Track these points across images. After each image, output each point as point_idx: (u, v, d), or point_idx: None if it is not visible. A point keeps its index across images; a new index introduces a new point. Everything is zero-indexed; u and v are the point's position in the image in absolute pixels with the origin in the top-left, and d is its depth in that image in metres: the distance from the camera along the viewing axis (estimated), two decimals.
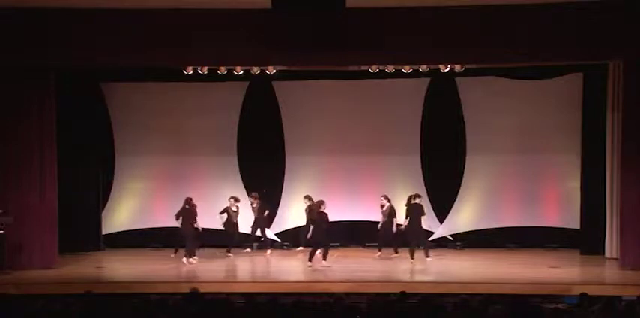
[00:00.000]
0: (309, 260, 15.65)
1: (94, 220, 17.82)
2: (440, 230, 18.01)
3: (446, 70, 16.46)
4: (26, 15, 14.58)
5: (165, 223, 17.33)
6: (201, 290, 10.60)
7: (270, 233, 18.05)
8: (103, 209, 18.10)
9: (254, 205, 17.39)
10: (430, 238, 17.54)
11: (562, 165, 17.70)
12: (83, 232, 17.36)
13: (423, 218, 16.21)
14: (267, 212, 17.52)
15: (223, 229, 17.31)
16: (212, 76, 16.75)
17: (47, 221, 15.43)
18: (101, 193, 18.06)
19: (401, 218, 16.77)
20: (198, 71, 16.52)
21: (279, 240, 18.26)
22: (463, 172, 18.02)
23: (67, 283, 13.82)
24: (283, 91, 18.16)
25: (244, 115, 18.20)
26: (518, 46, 14.60)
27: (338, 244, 17.69)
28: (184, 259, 15.88)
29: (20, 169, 15.24)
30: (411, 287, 12.40)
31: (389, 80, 17.37)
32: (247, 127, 18.21)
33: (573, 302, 11.01)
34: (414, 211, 16.20)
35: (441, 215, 18.00)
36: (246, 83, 17.90)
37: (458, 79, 17.67)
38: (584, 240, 17.07)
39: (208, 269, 15.67)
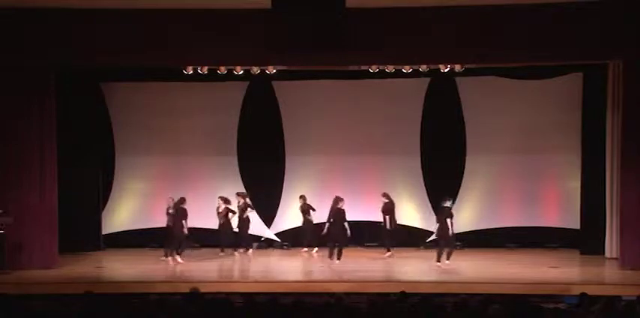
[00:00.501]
0: (331, 258, 15.62)
1: (94, 220, 17.81)
2: None
3: (446, 70, 16.48)
4: (26, 15, 14.60)
5: (165, 223, 17.30)
6: (201, 290, 10.60)
7: (270, 233, 18.06)
8: (103, 209, 18.10)
9: (239, 204, 17.25)
10: (430, 239, 17.56)
11: (562, 165, 17.71)
12: (83, 232, 17.34)
13: (449, 221, 15.70)
14: (249, 211, 17.30)
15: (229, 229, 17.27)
16: (212, 76, 16.77)
17: (47, 221, 15.42)
18: (101, 193, 18.05)
19: (401, 216, 16.78)
20: (198, 71, 16.54)
21: (279, 240, 18.27)
22: (463, 172, 18.03)
23: (67, 283, 13.82)
24: (283, 91, 18.17)
25: (244, 115, 18.20)
26: (518, 46, 14.62)
27: (338, 244, 17.66)
28: (176, 258, 15.92)
29: (20, 169, 15.23)
30: (411, 287, 12.39)
31: (389, 80, 17.38)
32: (247, 127, 18.21)
33: (573, 302, 11.01)
34: (441, 214, 15.92)
35: None
36: (246, 83, 17.91)
37: (458, 79, 17.67)
38: (584, 240, 17.07)
39: (208, 269, 15.67)
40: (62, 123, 16.02)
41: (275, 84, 18.05)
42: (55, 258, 15.57)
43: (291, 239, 18.15)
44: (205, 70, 16.49)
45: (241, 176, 18.24)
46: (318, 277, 14.82)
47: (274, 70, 16.72)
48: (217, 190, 17.68)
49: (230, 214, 16.99)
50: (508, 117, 17.68)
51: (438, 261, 15.57)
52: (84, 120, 17.44)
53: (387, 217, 16.88)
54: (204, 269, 15.61)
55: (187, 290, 10.16)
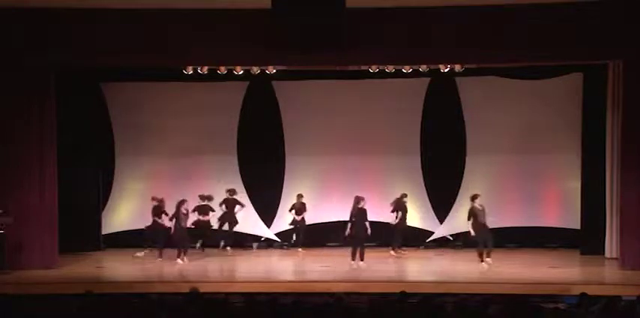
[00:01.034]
0: (353, 259, 15.38)
1: (94, 220, 17.82)
2: (440, 230, 18.04)
3: (446, 70, 16.48)
4: (26, 15, 14.60)
5: (165, 223, 17.31)
6: (201, 290, 10.60)
7: (270, 233, 18.08)
8: (103, 209, 18.10)
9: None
10: (430, 239, 17.55)
11: (562, 165, 17.70)
12: (83, 232, 17.33)
13: (479, 219, 15.61)
14: (237, 207, 17.38)
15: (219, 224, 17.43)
16: (212, 76, 16.77)
17: (47, 221, 15.41)
18: (101, 194, 18.06)
19: (412, 216, 17.20)
20: (198, 71, 16.54)
21: (279, 240, 18.28)
22: (463, 172, 18.03)
23: (67, 283, 13.79)
24: (283, 91, 18.16)
25: (244, 115, 18.20)
26: (518, 46, 14.61)
27: (337, 244, 17.69)
28: (183, 258, 15.96)
29: (20, 169, 15.22)
30: (411, 287, 12.38)
31: (389, 80, 17.38)
32: (247, 127, 18.21)
33: (573, 302, 10.99)
34: (471, 213, 15.79)
35: (441, 215, 18.01)
36: (246, 83, 17.90)
37: (458, 79, 17.67)
38: (584, 240, 17.06)
39: (208, 269, 15.67)
40: (62, 123, 16.01)
41: (275, 84, 18.04)
42: (55, 258, 15.56)
43: (290, 239, 18.16)
44: (205, 70, 16.48)
45: (241, 176, 18.23)
46: (318, 277, 14.80)
47: (274, 70, 16.72)
48: (217, 190, 17.68)
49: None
50: (508, 117, 17.68)
51: (482, 261, 15.46)
52: (84, 120, 17.44)
53: (400, 213, 16.95)
54: (205, 269, 15.60)
55: (187, 290, 10.17)
